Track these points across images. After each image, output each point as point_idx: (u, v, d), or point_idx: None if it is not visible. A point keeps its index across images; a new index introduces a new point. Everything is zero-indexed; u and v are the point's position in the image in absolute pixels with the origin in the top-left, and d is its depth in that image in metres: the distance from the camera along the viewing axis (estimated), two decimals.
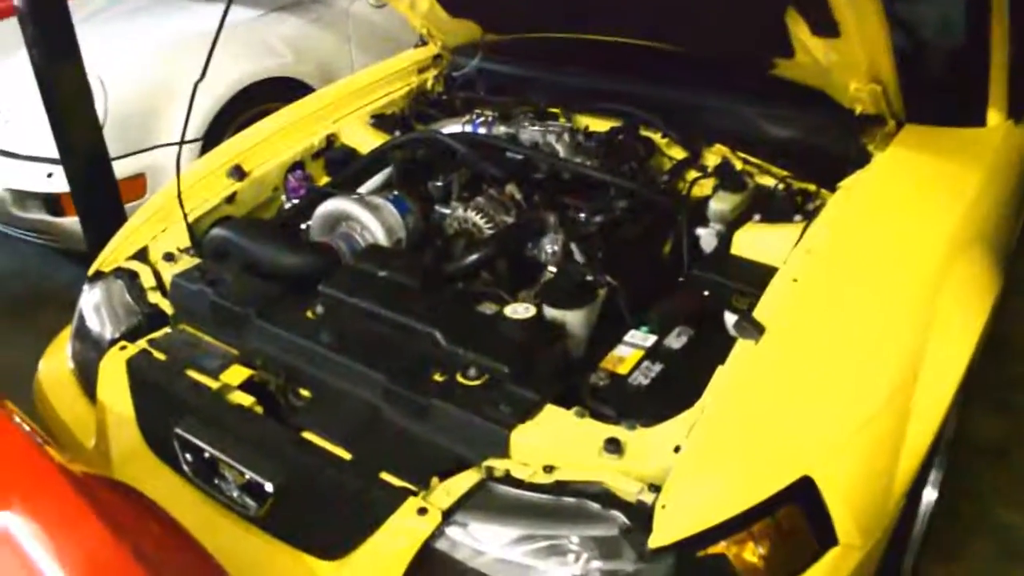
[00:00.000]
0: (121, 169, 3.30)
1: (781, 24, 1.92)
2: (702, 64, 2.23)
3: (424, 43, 2.93)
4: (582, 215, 2.04)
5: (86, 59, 2.73)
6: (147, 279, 2.04)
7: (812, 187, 2.03)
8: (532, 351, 1.58)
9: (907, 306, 1.61)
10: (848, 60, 1.88)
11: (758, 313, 1.58)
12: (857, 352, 1.52)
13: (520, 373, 1.53)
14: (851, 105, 2.02)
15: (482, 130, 2.39)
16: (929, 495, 2.05)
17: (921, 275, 1.66)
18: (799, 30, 1.90)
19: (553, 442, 1.44)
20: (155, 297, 1.99)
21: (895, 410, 1.50)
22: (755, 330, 1.51)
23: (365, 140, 2.49)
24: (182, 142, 2.03)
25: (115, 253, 2.16)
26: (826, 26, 1.79)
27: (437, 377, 1.56)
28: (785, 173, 2.09)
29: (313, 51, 3.99)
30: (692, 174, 2.23)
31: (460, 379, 1.55)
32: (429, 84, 2.82)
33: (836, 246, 1.73)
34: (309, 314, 1.78)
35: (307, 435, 1.59)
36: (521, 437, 1.45)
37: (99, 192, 2.90)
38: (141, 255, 2.12)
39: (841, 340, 1.54)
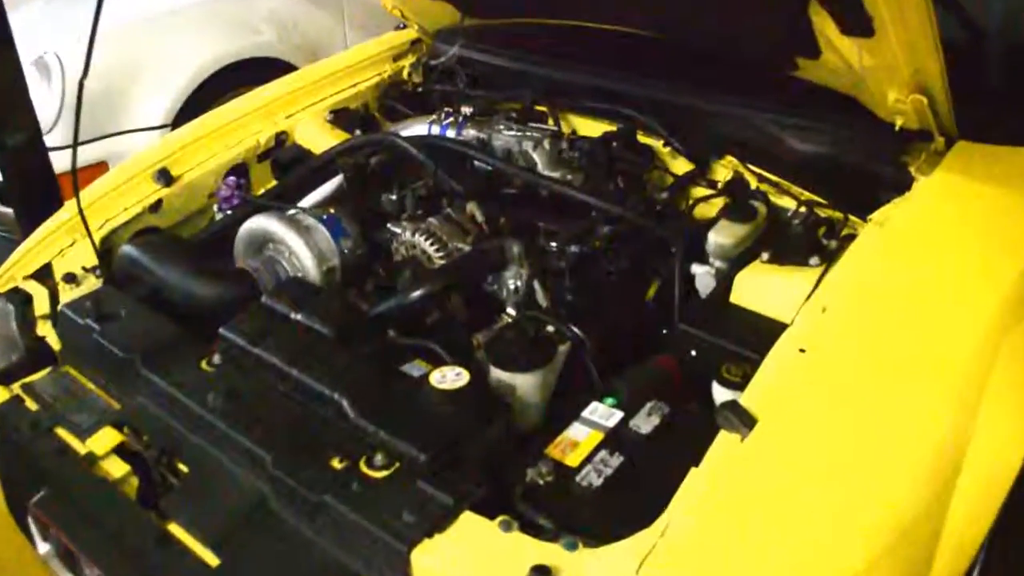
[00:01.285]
0: (79, 157, 3.13)
1: (805, 16, 1.64)
2: (713, 61, 1.99)
3: (404, 26, 2.65)
4: (554, 244, 1.79)
5: (43, 36, 2.54)
6: (41, 305, 1.81)
7: (838, 215, 1.77)
8: (458, 434, 1.32)
9: (948, 394, 1.29)
10: (886, 65, 1.61)
11: (753, 391, 1.30)
12: (878, 457, 1.21)
13: (437, 465, 1.27)
14: (889, 118, 1.74)
15: (449, 133, 2.15)
16: None
17: (969, 349, 1.34)
18: (826, 26, 1.61)
19: (467, 565, 1.15)
20: (44, 328, 1.76)
21: (924, 536, 1.19)
22: (742, 423, 1.21)
23: (320, 139, 2.25)
24: (75, 144, 1.75)
25: (15, 268, 1.92)
26: (857, 23, 1.51)
27: (336, 463, 1.31)
28: (808, 195, 1.85)
29: (300, 29, 3.76)
30: (697, 191, 1.99)
31: (363, 467, 1.29)
32: (405, 73, 2.56)
33: (859, 303, 1.44)
34: (204, 364, 1.54)
35: (174, 527, 1.32)
36: (425, 557, 1.17)
37: (35, 182, 2.69)
38: (44, 272, 1.89)
39: (858, 439, 1.23)
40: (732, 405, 1.24)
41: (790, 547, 1.12)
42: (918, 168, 1.74)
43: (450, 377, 1.38)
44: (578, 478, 1.26)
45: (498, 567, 1.15)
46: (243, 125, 2.26)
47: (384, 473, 1.27)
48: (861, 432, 1.24)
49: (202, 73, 3.42)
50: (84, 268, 1.86)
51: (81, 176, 2.80)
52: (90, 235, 1.87)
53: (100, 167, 3.28)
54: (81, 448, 1.47)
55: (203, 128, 2.23)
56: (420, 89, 2.51)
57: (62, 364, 1.69)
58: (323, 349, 1.50)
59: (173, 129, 3.29)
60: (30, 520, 1.44)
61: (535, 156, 2.02)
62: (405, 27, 2.64)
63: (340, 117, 2.35)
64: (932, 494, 1.21)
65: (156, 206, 2.03)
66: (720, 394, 1.39)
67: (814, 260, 1.60)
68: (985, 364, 1.32)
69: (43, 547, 1.44)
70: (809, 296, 1.47)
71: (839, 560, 1.12)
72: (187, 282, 1.75)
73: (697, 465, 1.20)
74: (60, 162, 2.85)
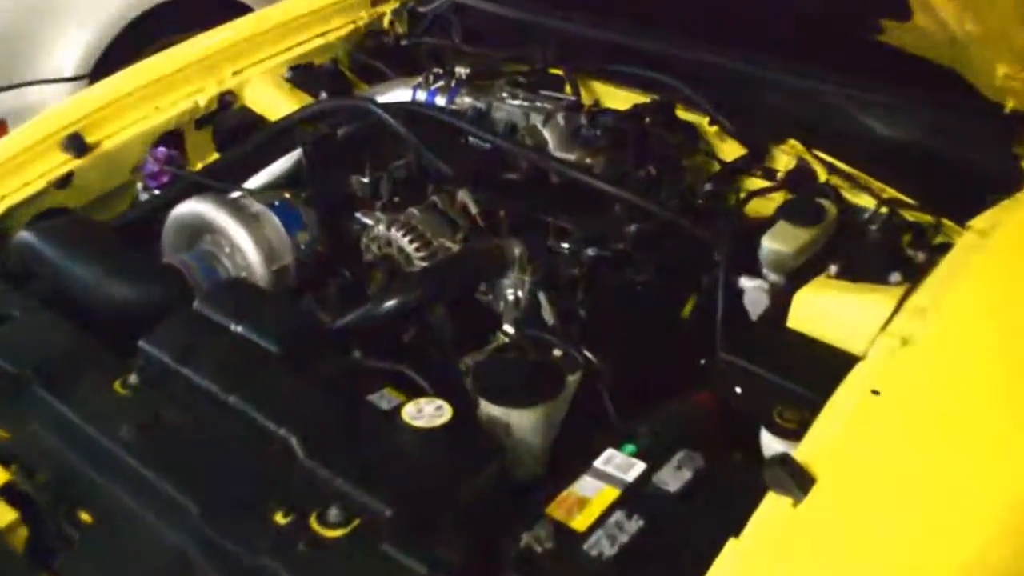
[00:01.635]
0: None
1: None
2: (776, 18, 2.05)
3: None
4: (566, 245, 1.82)
5: None
6: None
7: (928, 219, 1.81)
8: (435, 484, 1.34)
9: None
10: (995, 31, 1.66)
11: (812, 442, 1.31)
12: (966, 540, 1.22)
13: (407, 523, 1.28)
14: (998, 97, 1.79)
15: (439, 100, 2.19)
16: None
17: None
18: None
19: None
20: None
21: None
22: (796, 484, 1.22)
23: (276, 102, 2.30)
24: None
25: None
26: None
27: (280, 517, 1.32)
28: (891, 191, 1.88)
29: None
30: (751, 183, 2.04)
31: (314, 524, 1.29)
32: (386, 22, 2.61)
33: (953, 335, 1.46)
34: (118, 386, 1.55)
35: None
36: None
37: None
38: None
39: (941, 513, 1.24)
40: (785, 460, 1.24)
41: None
42: None
43: (428, 412, 1.39)
44: (586, 546, 1.26)
45: None
46: (178, 82, 2.28)
47: (340, 532, 1.27)
48: (945, 504, 1.25)
49: (128, 12, 3.43)
50: None
51: None
52: None
53: None
54: None
55: (127, 84, 2.25)
56: (404, 42, 2.54)
57: None
58: (269, 371, 1.51)
59: (90, 83, 3.27)
60: None
61: (546, 133, 2.04)
62: None
63: (301, 75, 2.37)
64: None
65: (64, 181, 2.05)
66: (770, 444, 1.40)
67: (896, 277, 1.61)
68: None
69: None
70: (888, 322, 1.49)
71: None
72: (100, 279, 1.76)
73: (738, 535, 1.20)
74: None
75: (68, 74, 3.42)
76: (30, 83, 3.38)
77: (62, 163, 2.07)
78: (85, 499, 1.43)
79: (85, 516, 1.42)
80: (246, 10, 3.60)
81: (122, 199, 2.15)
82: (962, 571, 1.20)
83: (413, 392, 1.50)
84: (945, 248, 1.67)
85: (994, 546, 1.22)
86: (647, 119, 2.09)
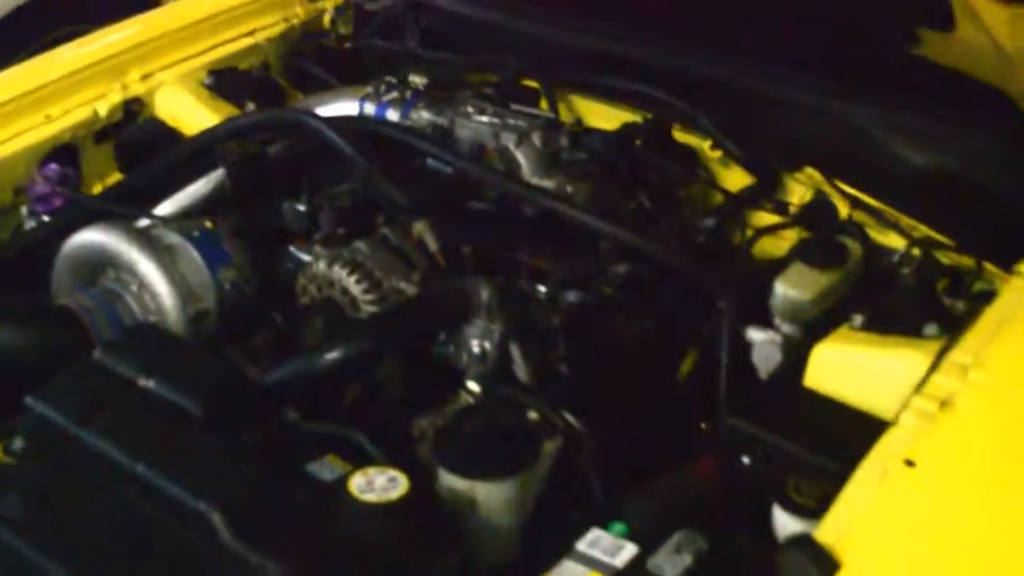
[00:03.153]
0: None
1: None
2: (791, 28, 2.11)
3: None
4: (542, 288, 1.84)
5: None
6: None
7: (968, 262, 1.87)
8: (391, 571, 1.35)
9: None
10: None
11: (834, 521, 1.34)
12: None
13: None
14: None
15: (392, 115, 2.21)
16: None
17: None
18: None
19: None
20: None
21: None
22: (817, 572, 1.25)
23: (193, 113, 2.33)
24: None
25: None
26: None
27: None
28: (924, 230, 1.94)
29: None
30: (760, 218, 2.10)
31: None
32: (327, 20, 2.67)
33: (998, 396, 1.50)
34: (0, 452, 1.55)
35: None
36: None
37: None
38: None
39: None
40: (804, 541, 1.28)
41: None
42: None
43: (380, 483, 1.40)
44: None
45: None
46: (73, 87, 2.30)
47: None
48: None
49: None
50: None
51: None
52: None
53: None
54: None
55: (10, 88, 2.26)
56: (348, 45, 2.59)
57: None
58: (186, 435, 1.52)
59: None
60: None
61: (519, 156, 2.07)
62: None
63: (224, 81, 2.41)
64: None
65: None
66: (785, 524, 1.42)
67: (931, 329, 1.66)
68: None
69: None
70: (923, 382, 1.52)
71: None
72: None
73: None
74: None
75: None
76: None
77: None
78: None
79: None
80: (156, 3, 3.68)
81: (3, 226, 2.16)
82: None
83: (360, 461, 1.51)
84: (987, 296, 1.72)
85: None
86: (638, 141, 2.13)
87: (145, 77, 2.37)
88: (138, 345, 1.67)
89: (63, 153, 2.22)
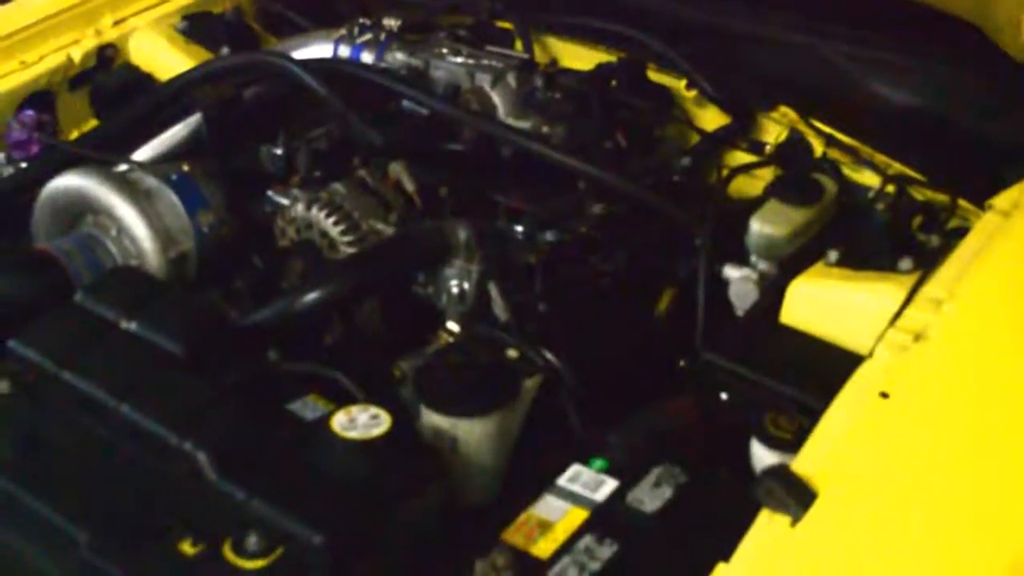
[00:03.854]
0: None
1: None
2: None
3: None
4: (520, 228, 1.85)
5: None
6: None
7: (942, 198, 1.88)
8: (372, 506, 1.36)
9: None
10: None
11: (811, 453, 1.35)
12: (981, 554, 1.26)
13: (339, 551, 1.30)
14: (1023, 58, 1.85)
15: (366, 56, 2.21)
16: None
17: None
18: None
19: None
20: None
21: None
22: (794, 499, 1.26)
23: (167, 58, 2.34)
24: None
25: None
26: None
27: (187, 547, 1.33)
28: (898, 167, 1.95)
29: None
30: (735, 157, 2.10)
31: (228, 554, 1.31)
32: None
33: (971, 329, 1.51)
34: None
35: None
36: None
37: None
38: None
39: (956, 528, 1.28)
40: (780, 472, 1.29)
41: None
42: None
43: (362, 421, 1.41)
44: (551, 575, 1.30)
45: None
46: (46, 32, 2.29)
47: (260, 563, 1.29)
48: (965, 521, 1.29)
49: None
50: None
51: None
52: None
53: None
54: None
55: None
56: None
57: None
58: (169, 376, 1.53)
59: None
60: None
61: (494, 96, 2.08)
62: None
63: (197, 26, 2.40)
64: None
65: None
66: (762, 457, 1.44)
67: (906, 264, 1.67)
68: None
69: None
70: (897, 316, 1.54)
71: None
72: None
73: (727, 559, 1.24)
74: None
75: None
76: None
77: None
78: None
79: None
80: None
81: None
82: None
83: (342, 400, 1.52)
84: (962, 232, 1.72)
85: (1020, 570, 1.29)
86: (613, 81, 2.13)
87: (118, 23, 2.36)
88: (119, 288, 1.68)
89: (39, 100, 2.21)
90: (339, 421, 1.42)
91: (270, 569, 1.29)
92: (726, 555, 1.24)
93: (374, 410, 1.43)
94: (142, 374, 1.53)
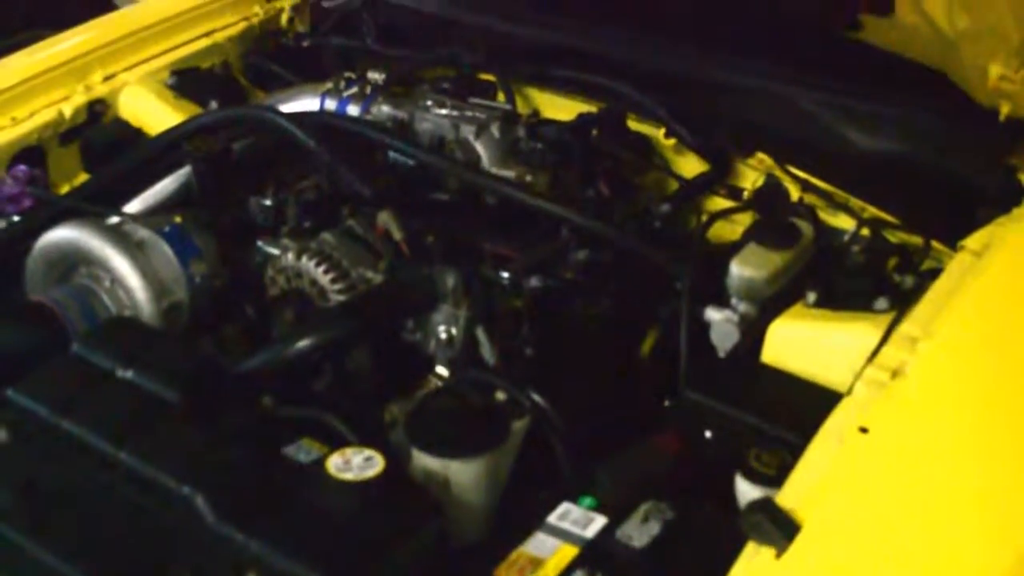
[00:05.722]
0: None
1: None
2: (738, 16, 2.16)
3: None
4: (505, 274, 1.87)
5: None
6: None
7: (916, 240, 1.91)
8: (367, 546, 1.37)
9: None
10: (989, 27, 1.76)
11: (793, 487, 1.38)
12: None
13: None
14: (991, 102, 1.89)
15: (352, 109, 2.23)
16: None
17: None
18: None
19: None
20: None
21: None
22: (779, 532, 1.29)
23: (157, 113, 2.34)
24: None
25: None
26: None
27: None
28: (873, 210, 1.97)
29: None
30: (714, 203, 2.12)
31: None
32: (284, 19, 2.68)
33: (946, 367, 1.54)
34: None
35: None
36: None
37: None
38: None
39: (936, 559, 1.30)
40: (765, 506, 1.31)
41: None
42: None
43: (357, 463, 1.42)
44: None
45: None
46: (37, 89, 2.30)
47: None
48: (943, 553, 1.31)
49: None
50: None
51: None
52: None
53: None
54: None
55: None
56: (306, 43, 2.59)
57: None
58: (166, 422, 1.53)
59: None
60: None
61: (478, 147, 2.09)
62: None
63: (186, 81, 2.41)
64: None
65: None
66: (747, 492, 1.45)
67: (881, 304, 1.71)
68: None
69: None
70: (874, 354, 1.56)
71: None
72: None
73: None
74: None
75: None
76: None
77: None
78: None
79: None
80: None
81: None
82: None
83: (335, 443, 1.52)
84: (935, 272, 1.75)
85: None
86: (594, 131, 2.15)
87: (108, 78, 2.37)
88: (115, 337, 1.69)
89: (29, 155, 2.21)
90: (334, 463, 1.43)
91: None
92: None
93: (368, 452, 1.44)
94: (140, 421, 1.53)
